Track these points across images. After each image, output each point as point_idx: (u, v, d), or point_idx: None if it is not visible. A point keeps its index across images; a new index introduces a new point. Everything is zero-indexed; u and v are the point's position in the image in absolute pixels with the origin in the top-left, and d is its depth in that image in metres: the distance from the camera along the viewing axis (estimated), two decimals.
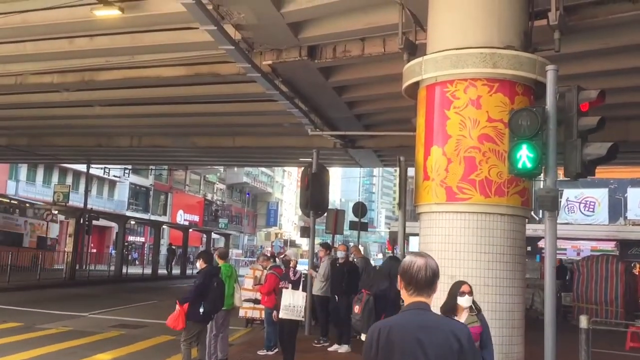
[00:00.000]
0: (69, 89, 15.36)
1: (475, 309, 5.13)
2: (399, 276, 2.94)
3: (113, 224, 37.24)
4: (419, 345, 2.68)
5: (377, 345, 2.77)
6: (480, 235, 6.90)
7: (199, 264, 8.29)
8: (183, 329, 7.99)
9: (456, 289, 5.00)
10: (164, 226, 40.95)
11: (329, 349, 10.44)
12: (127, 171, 42.18)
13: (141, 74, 13.44)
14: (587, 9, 8.84)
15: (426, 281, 2.79)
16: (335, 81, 12.73)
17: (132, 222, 36.09)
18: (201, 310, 7.88)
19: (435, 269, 2.86)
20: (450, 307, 4.97)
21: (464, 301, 4.95)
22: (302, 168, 13.53)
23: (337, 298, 10.58)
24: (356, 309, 6.39)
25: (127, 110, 17.73)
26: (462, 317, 4.95)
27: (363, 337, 6.16)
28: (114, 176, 43.08)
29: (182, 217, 51.82)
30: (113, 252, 35.46)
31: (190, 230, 41.88)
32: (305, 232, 16.34)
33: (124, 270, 29.01)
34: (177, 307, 7.92)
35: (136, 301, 18.55)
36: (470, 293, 4.99)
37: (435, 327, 2.75)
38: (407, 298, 2.85)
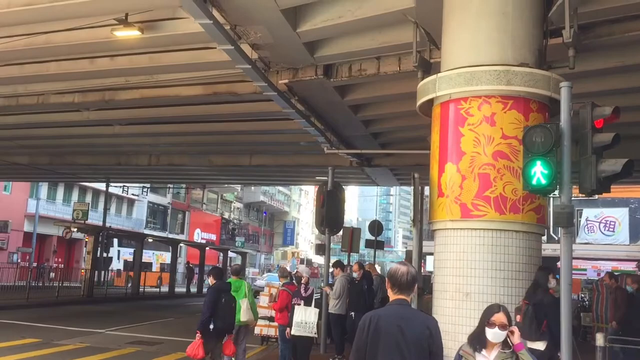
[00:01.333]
0: (89, 108, 15.63)
1: (509, 344, 3.84)
2: (387, 278, 3.86)
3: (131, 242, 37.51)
4: (399, 331, 3.63)
5: (368, 330, 3.73)
6: (495, 252, 6.87)
7: (210, 281, 8.33)
8: None
9: (485, 317, 3.86)
10: (181, 244, 41.14)
11: None
12: (145, 190, 42.61)
13: (160, 93, 13.64)
14: (603, 26, 8.84)
15: (407, 283, 3.76)
16: (350, 100, 12.81)
17: (150, 241, 36.29)
18: (211, 326, 7.89)
19: (415, 275, 3.80)
20: (477, 337, 3.91)
21: (492, 335, 3.79)
22: (318, 186, 13.56)
23: (353, 315, 10.54)
24: (518, 318, 6.61)
25: (146, 129, 17.96)
26: (491, 355, 3.84)
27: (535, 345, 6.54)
28: (133, 194, 43.50)
29: (199, 236, 52.05)
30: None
31: (207, 248, 42.02)
32: (321, 249, 16.31)
33: (142, 288, 29.14)
34: (198, 335, 7.89)
35: (153, 318, 18.62)
36: (505, 326, 3.76)
37: (412, 318, 3.72)
38: (392, 296, 3.81)
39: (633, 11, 8.44)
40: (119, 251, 37.10)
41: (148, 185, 40.90)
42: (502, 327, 3.77)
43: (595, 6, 8.17)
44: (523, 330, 7.10)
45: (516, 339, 3.82)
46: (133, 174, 27.93)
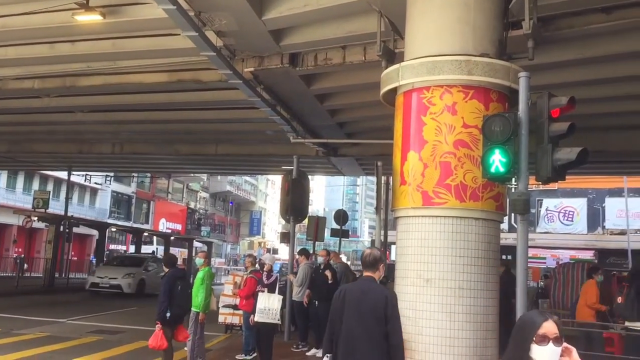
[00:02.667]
0: (50, 94, 15.30)
1: None
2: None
3: (94, 232, 36.92)
4: (359, 300, 4.52)
5: (340, 299, 4.64)
6: (455, 239, 7.01)
7: (163, 268, 8.30)
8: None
9: (529, 331, 2.55)
10: (145, 234, 40.68)
11: (307, 353, 10.48)
12: (108, 179, 41.91)
13: (123, 80, 13.42)
14: (564, 19, 9.04)
15: (370, 262, 4.68)
16: (316, 89, 12.83)
17: (114, 230, 35.80)
18: (167, 314, 7.88)
19: (376, 255, 4.71)
20: None
21: (547, 355, 2.50)
22: (284, 174, 13.58)
23: (316, 303, 10.62)
24: (619, 299, 7.45)
25: (109, 117, 17.68)
26: None
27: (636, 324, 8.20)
28: (96, 183, 42.72)
29: (164, 226, 51.51)
30: (94, 260, 35.14)
31: (172, 238, 41.65)
32: (285, 238, 16.36)
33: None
34: (158, 326, 7.86)
35: (116, 308, 18.41)
36: (559, 339, 2.53)
37: (372, 290, 4.56)
38: (363, 273, 4.76)
39: (593, 4, 8.65)
40: None
41: (112, 174, 40.20)
42: (557, 340, 2.53)
43: None
44: (624, 311, 8.00)
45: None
46: (96, 163, 27.44)
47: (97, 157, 23.48)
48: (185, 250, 40.93)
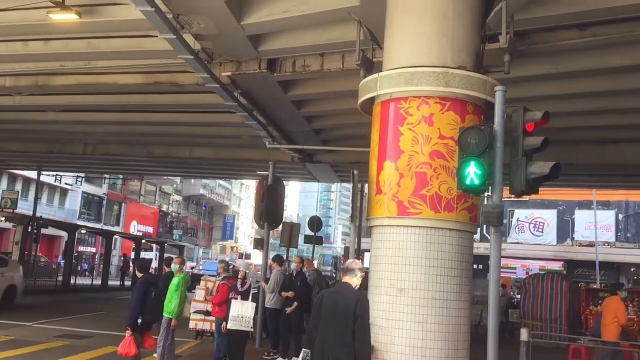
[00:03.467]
0: (21, 92, 14.99)
1: None
2: None
3: (63, 233, 36.25)
4: (334, 301, 5.13)
5: (318, 301, 5.28)
6: (429, 250, 7.03)
7: (136, 274, 8.15)
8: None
9: None
10: (116, 236, 40.09)
11: None
12: (79, 179, 41.24)
13: (97, 80, 13.23)
14: (539, 34, 9.20)
15: (349, 270, 5.35)
16: (294, 95, 12.82)
17: (83, 232, 35.19)
18: (139, 320, 7.75)
19: (357, 265, 5.40)
20: None
21: None
22: (258, 180, 13.53)
23: (287, 310, 10.57)
24: None
25: (82, 117, 17.40)
26: None
27: None
28: (66, 184, 42.01)
29: (135, 228, 50.84)
30: (62, 261, 34.49)
31: (144, 241, 41.12)
32: (259, 244, 16.27)
33: (73, 281, 28.21)
34: (128, 332, 7.71)
35: (84, 312, 18.08)
36: None
37: (345, 293, 5.16)
38: (342, 278, 5.39)
39: (566, 20, 8.81)
40: None
41: (83, 174, 39.56)
42: None
43: (531, 14, 8.48)
44: None
45: None
46: (67, 163, 26.98)
47: (69, 157, 23.10)
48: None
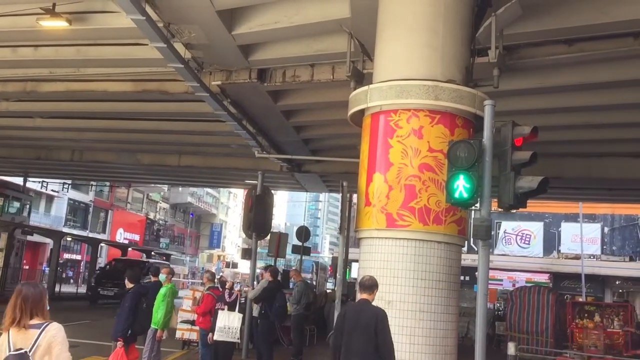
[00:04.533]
0: (8, 98, 14.91)
1: None
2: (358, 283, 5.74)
3: (48, 240, 35.89)
4: (356, 317, 5.49)
5: (341, 316, 5.69)
6: (417, 262, 7.05)
7: (127, 284, 8.04)
8: None
9: None
10: (102, 244, 39.74)
11: None
12: (66, 186, 40.90)
13: (86, 87, 13.19)
14: (527, 49, 9.31)
15: (367, 286, 5.69)
16: (283, 105, 12.84)
17: (69, 239, 34.87)
18: (129, 332, 7.66)
19: (373, 282, 5.72)
20: None
21: None
22: (247, 190, 13.50)
23: (259, 321, 10.51)
24: None
25: (70, 123, 17.31)
26: None
27: None
28: (52, 191, 41.63)
29: (122, 236, 50.42)
30: (46, 269, 34.11)
31: (130, 249, 40.80)
32: (247, 254, 16.20)
33: (57, 289, 27.90)
34: (119, 343, 7.56)
35: (68, 320, 17.82)
36: None
37: (366, 310, 5.53)
38: (359, 296, 5.75)
39: (554, 36, 8.93)
40: None
41: (69, 181, 39.24)
42: None
43: (519, 29, 8.57)
44: None
45: None
46: (53, 170, 26.75)
47: (55, 163, 22.91)
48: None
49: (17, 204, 30.38)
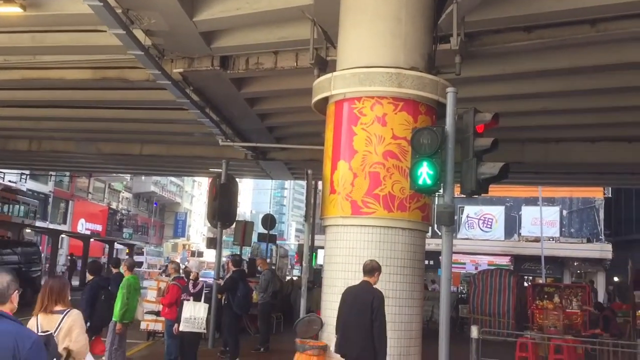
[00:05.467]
0: None
1: None
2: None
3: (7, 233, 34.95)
4: (355, 297, 5.98)
5: (342, 297, 6.14)
6: (382, 249, 7.13)
7: (87, 276, 7.96)
8: None
9: None
10: (63, 235, 38.94)
11: None
12: (24, 177, 39.88)
13: (43, 75, 12.81)
14: (487, 36, 9.41)
15: (368, 270, 6.07)
16: (247, 92, 12.72)
17: (28, 231, 34.01)
18: (87, 324, 7.55)
19: (374, 266, 6.10)
20: None
21: None
22: (212, 178, 13.37)
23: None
24: None
25: (27, 113, 16.81)
26: None
27: None
28: (10, 181, 40.51)
29: (83, 226, 49.47)
30: None
31: (92, 240, 40.08)
32: (212, 243, 16.10)
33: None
34: None
35: (29, 314, 17.48)
36: None
37: (364, 290, 5.95)
38: (363, 278, 6.08)
39: (513, 23, 9.05)
40: None
41: (27, 172, 38.23)
42: None
43: (480, 16, 8.66)
44: None
45: None
46: (10, 160, 25.97)
47: (12, 154, 22.24)
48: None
49: None
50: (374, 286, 6.02)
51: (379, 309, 5.84)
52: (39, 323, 4.33)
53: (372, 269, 6.09)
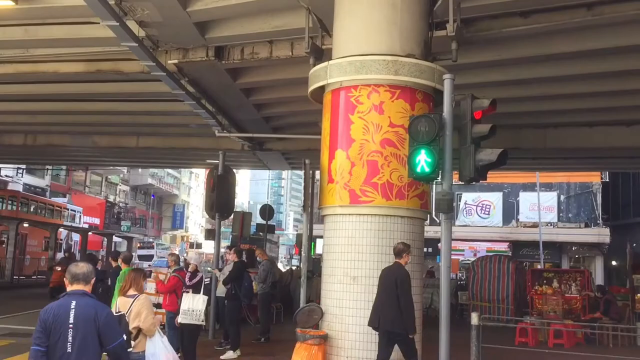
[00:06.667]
0: None
1: None
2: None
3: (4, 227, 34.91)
4: (386, 276, 6.72)
5: (379, 277, 6.86)
6: (381, 237, 7.12)
7: None
8: None
9: None
10: (61, 229, 38.91)
11: (222, 357, 10.26)
12: (20, 171, 39.77)
13: (37, 69, 12.70)
14: (483, 21, 9.35)
15: (397, 252, 6.71)
16: (243, 83, 12.65)
17: (26, 225, 33.95)
18: None
19: (402, 248, 6.69)
20: None
21: None
22: (209, 170, 13.32)
23: (226, 302, 10.48)
24: None
25: (21, 107, 16.72)
26: None
27: None
28: (6, 176, 40.40)
29: (81, 220, 49.42)
30: None
31: (90, 233, 40.08)
32: (211, 234, 16.09)
33: (16, 277, 27.25)
34: None
35: (29, 308, 17.48)
36: None
37: (394, 269, 6.68)
38: (394, 260, 6.81)
39: (509, 8, 9.00)
40: None
41: (24, 166, 38.12)
42: None
43: (476, 2, 8.61)
44: None
45: None
46: (6, 155, 25.89)
47: (7, 149, 22.15)
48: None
49: None
50: (405, 266, 6.62)
51: (402, 285, 6.42)
52: (117, 305, 5.30)
53: (399, 251, 6.66)
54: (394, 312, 6.42)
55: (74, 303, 3.91)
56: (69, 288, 4.04)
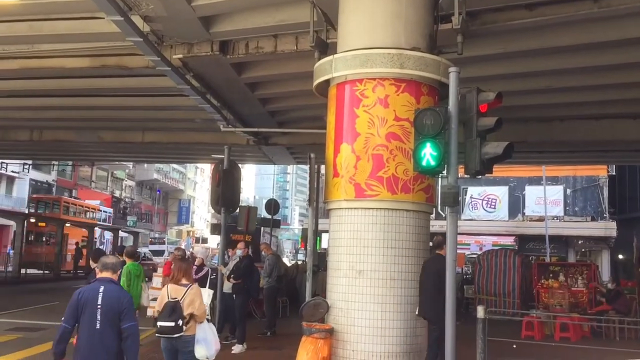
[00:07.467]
0: None
1: None
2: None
3: (11, 223, 35.09)
4: (428, 267, 7.23)
5: (422, 268, 7.36)
6: (387, 231, 7.11)
7: (91, 264, 7.96)
8: None
9: None
10: (67, 224, 39.09)
11: (233, 351, 10.32)
12: (27, 166, 39.92)
13: (42, 64, 12.71)
14: (488, 14, 9.29)
15: (435, 245, 7.45)
16: (248, 77, 12.64)
17: (33, 220, 34.09)
18: None
19: (440, 240, 7.32)
20: None
21: None
22: (214, 165, 13.32)
23: (234, 296, 10.50)
24: None
25: (27, 102, 16.74)
26: None
27: None
28: (13, 172, 40.56)
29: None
30: (11, 252, 33.40)
31: (96, 228, 40.25)
32: (216, 229, 16.11)
33: (23, 271, 27.40)
34: None
35: (35, 303, 17.60)
36: None
37: (435, 261, 7.18)
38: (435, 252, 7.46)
39: (515, 1, 8.93)
40: None
41: (30, 161, 38.25)
42: None
43: None
44: None
45: None
46: (12, 151, 25.98)
47: (13, 144, 22.22)
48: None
49: None
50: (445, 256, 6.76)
51: (442, 277, 6.50)
52: (169, 292, 5.86)
53: (439, 242, 7.25)
54: (435, 303, 6.73)
55: (102, 288, 4.66)
56: (98, 275, 4.85)
